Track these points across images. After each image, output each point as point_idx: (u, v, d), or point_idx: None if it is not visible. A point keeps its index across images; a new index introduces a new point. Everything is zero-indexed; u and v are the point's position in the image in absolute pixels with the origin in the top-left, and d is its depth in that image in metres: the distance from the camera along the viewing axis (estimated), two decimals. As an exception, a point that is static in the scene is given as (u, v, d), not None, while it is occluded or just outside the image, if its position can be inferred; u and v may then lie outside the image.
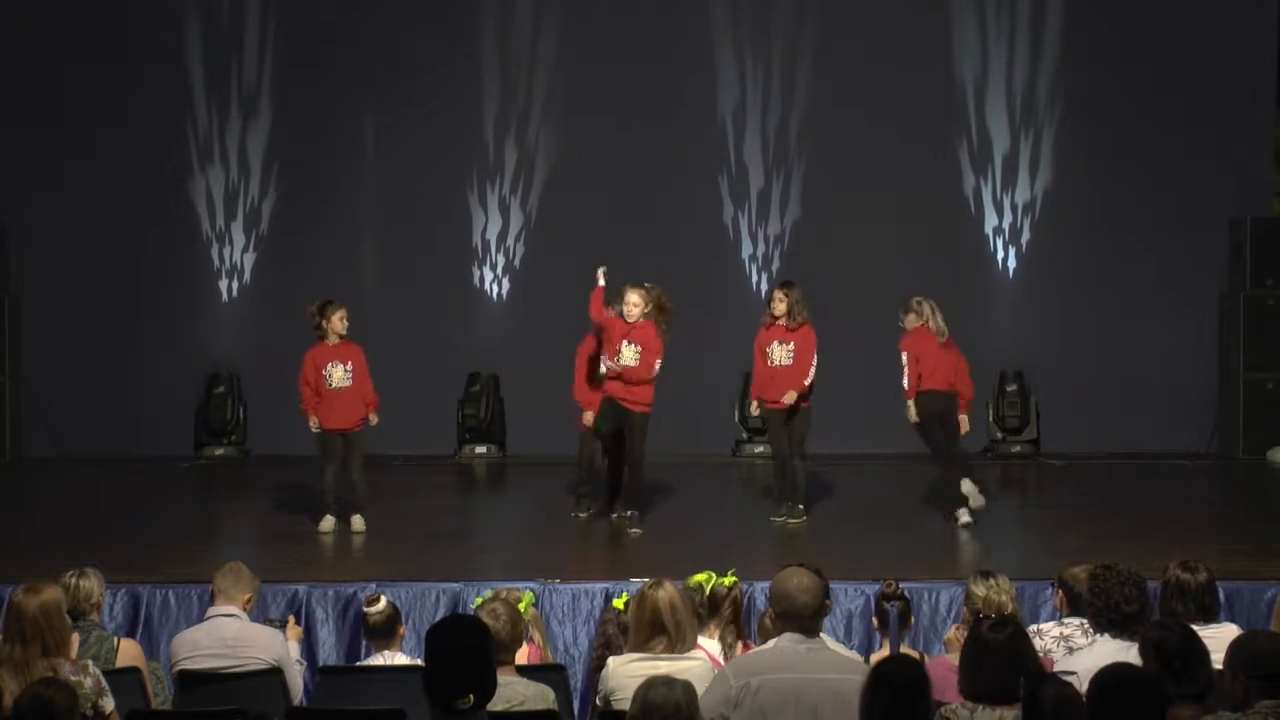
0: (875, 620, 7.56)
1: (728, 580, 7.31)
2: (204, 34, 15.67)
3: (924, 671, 5.27)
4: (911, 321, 11.51)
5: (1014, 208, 15.73)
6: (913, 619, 8.13)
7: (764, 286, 15.47)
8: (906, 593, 7.47)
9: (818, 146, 15.65)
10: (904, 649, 7.21)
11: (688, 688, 5.31)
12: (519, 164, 15.77)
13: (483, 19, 15.76)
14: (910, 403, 11.37)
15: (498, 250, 15.80)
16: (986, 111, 15.69)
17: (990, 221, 15.74)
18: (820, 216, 15.62)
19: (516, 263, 15.81)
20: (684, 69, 15.59)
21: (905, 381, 11.35)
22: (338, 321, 11.22)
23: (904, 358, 11.35)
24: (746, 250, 15.79)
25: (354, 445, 11.24)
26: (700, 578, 7.28)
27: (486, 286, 15.81)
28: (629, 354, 10.95)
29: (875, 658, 7.01)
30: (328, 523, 11.10)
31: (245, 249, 15.85)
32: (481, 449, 15.38)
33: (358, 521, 11.12)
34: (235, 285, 15.89)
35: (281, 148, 15.71)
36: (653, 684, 5.29)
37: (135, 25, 15.56)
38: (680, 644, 6.55)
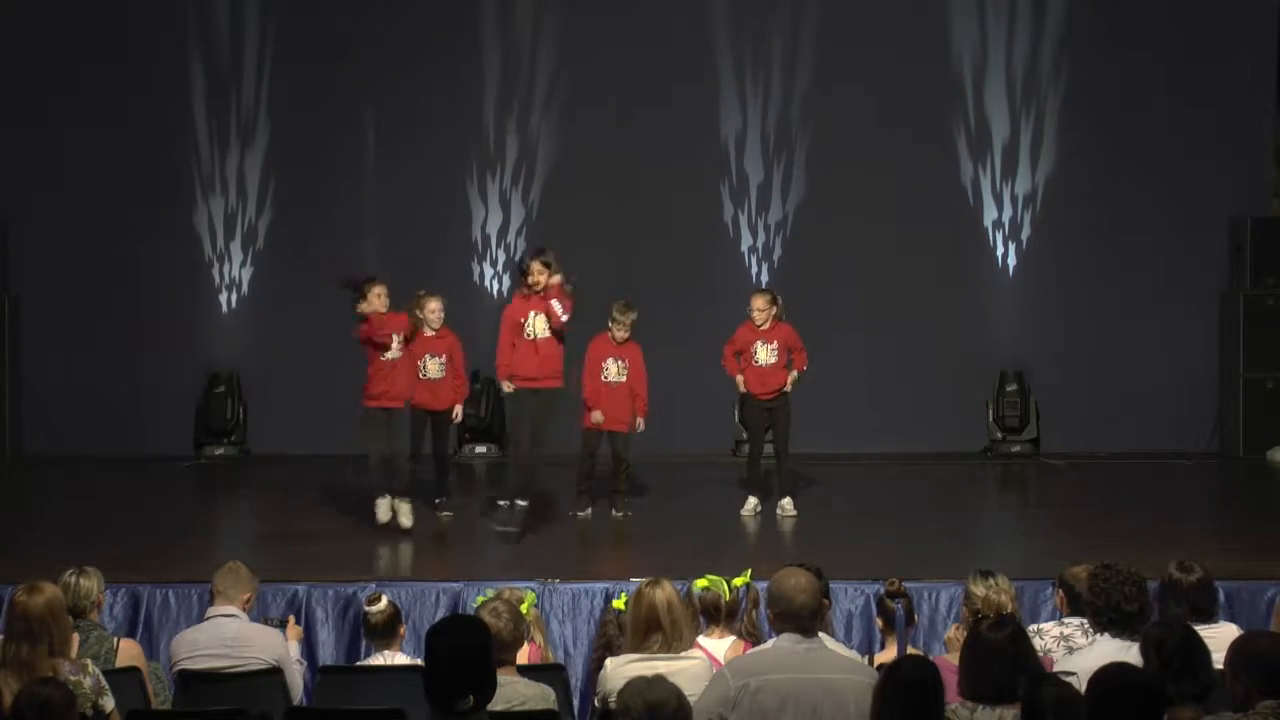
0: (880, 620, 7.55)
1: (739, 581, 7.32)
2: (204, 36, 15.65)
3: (938, 671, 5.27)
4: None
5: (1014, 200, 15.73)
6: (916, 617, 8.13)
7: (764, 279, 15.49)
8: (908, 592, 7.47)
9: (816, 141, 15.63)
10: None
11: (676, 688, 5.29)
12: (519, 160, 15.76)
13: (483, 20, 15.74)
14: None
15: (498, 246, 15.78)
16: (986, 104, 15.68)
17: (990, 215, 15.74)
18: (818, 217, 15.60)
19: (517, 259, 15.79)
20: (682, 64, 15.57)
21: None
22: (431, 313, 11.44)
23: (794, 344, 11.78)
24: (746, 242, 15.78)
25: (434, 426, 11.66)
26: (703, 582, 7.28)
27: (486, 283, 15.79)
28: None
29: (880, 657, 7.01)
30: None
31: (245, 253, 15.83)
32: (481, 449, 15.39)
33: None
34: (236, 286, 15.87)
35: (282, 146, 15.69)
36: (650, 685, 5.27)
37: (136, 26, 15.55)
38: (677, 642, 6.55)
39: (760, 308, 11.68)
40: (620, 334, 11.64)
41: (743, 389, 11.98)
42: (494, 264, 15.84)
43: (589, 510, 11.74)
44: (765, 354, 11.67)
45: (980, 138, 15.70)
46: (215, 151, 15.74)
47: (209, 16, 15.69)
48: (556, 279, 10.85)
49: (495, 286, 15.80)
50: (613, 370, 11.62)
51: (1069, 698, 5.11)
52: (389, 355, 11.04)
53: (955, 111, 15.65)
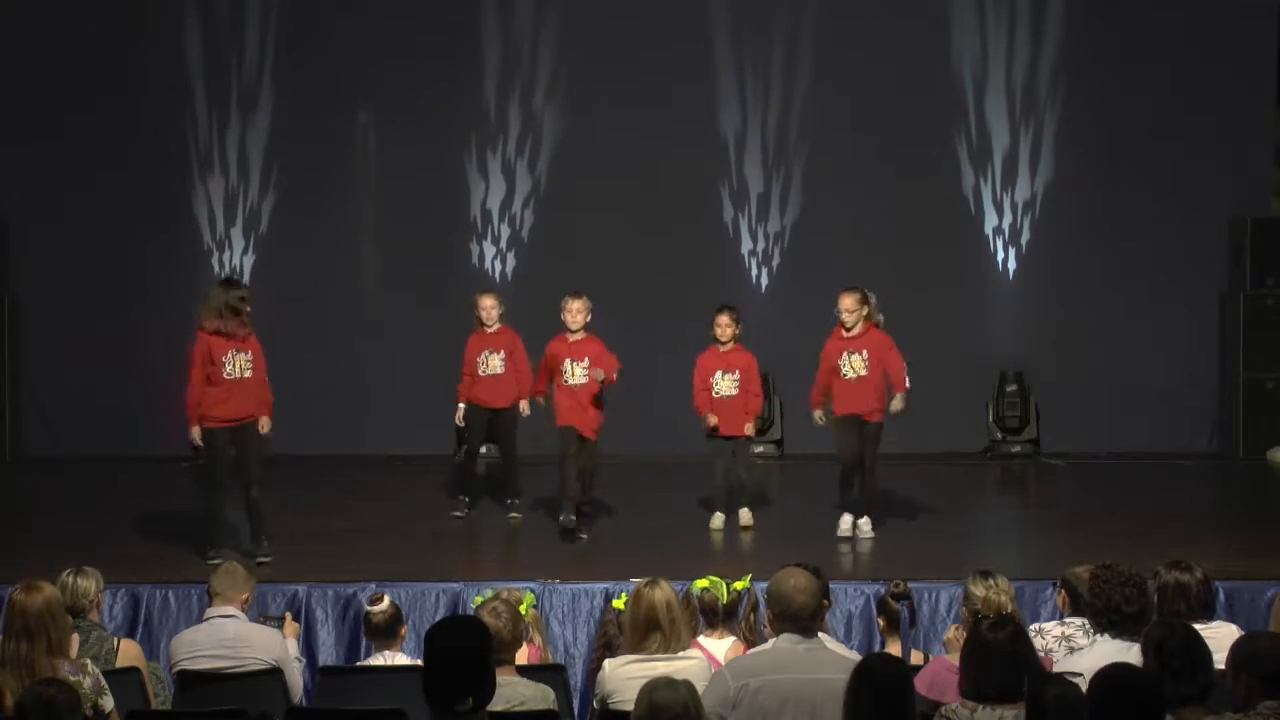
0: (882, 621, 7.55)
1: (740, 584, 7.33)
2: (203, 27, 15.61)
3: (908, 670, 5.30)
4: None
5: (1014, 207, 15.72)
6: (918, 619, 8.13)
7: (764, 281, 15.48)
8: (912, 593, 7.48)
9: (816, 144, 15.61)
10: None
11: (691, 687, 5.32)
12: (520, 138, 15.71)
13: (483, 9, 15.72)
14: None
15: (500, 221, 15.71)
16: (986, 110, 15.67)
17: (990, 222, 15.72)
18: (820, 218, 15.57)
19: (524, 235, 15.72)
20: (682, 67, 15.53)
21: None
22: (485, 310, 11.58)
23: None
24: (746, 246, 15.76)
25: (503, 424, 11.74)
26: (703, 583, 7.29)
27: (488, 264, 15.69)
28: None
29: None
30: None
31: (244, 250, 15.82)
32: (482, 449, 15.33)
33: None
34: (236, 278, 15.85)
35: (280, 142, 15.65)
36: (657, 685, 5.28)
37: (135, 27, 15.53)
38: (675, 643, 6.57)
39: (849, 308, 10.59)
40: (571, 323, 11.08)
41: (820, 420, 10.86)
42: (496, 242, 15.72)
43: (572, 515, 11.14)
44: (858, 365, 10.53)
45: (980, 133, 15.66)
46: (215, 142, 15.70)
47: (209, 10, 15.65)
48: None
49: (498, 267, 15.70)
50: (574, 373, 11.12)
51: (1071, 697, 5.11)
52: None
53: (956, 119, 15.62)
